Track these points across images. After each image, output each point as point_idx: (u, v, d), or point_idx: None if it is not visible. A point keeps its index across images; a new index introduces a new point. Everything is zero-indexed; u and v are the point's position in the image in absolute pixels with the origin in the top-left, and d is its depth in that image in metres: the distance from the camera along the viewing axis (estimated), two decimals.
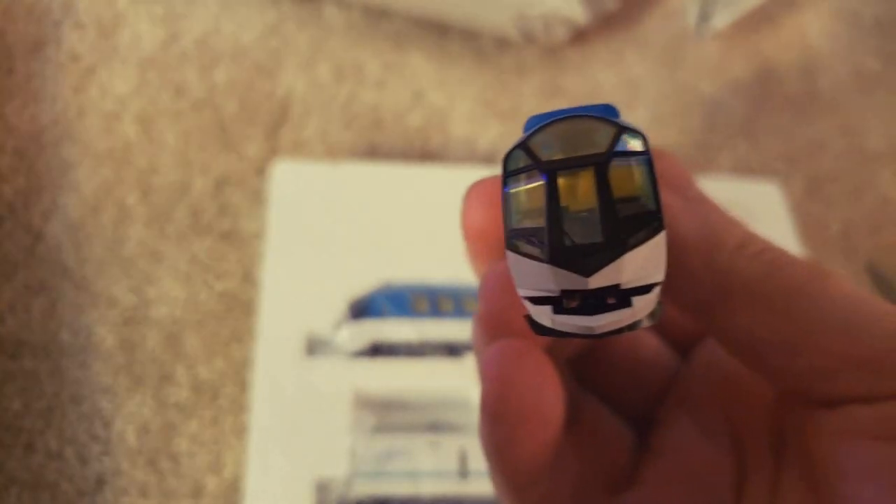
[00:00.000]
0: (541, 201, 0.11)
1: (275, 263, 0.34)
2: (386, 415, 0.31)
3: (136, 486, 0.31)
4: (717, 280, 0.14)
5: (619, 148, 0.11)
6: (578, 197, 0.10)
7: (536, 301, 0.11)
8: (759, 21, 0.44)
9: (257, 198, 0.37)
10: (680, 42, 0.43)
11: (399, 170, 0.37)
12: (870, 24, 0.44)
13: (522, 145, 0.11)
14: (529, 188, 0.11)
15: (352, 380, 0.31)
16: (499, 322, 0.15)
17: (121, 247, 0.36)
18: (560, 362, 0.18)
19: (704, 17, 0.43)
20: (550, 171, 0.11)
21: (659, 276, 0.11)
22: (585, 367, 0.18)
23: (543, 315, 0.11)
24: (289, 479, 0.29)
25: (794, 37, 0.44)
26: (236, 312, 0.34)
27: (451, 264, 0.33)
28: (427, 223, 0.35)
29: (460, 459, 0.30)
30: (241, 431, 0.32)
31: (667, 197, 0.14)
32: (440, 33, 0.42)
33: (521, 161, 0.11)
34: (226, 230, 0.36)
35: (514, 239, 0.11)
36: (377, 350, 0.32)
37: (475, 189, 0.15)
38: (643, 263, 0.10)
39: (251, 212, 0.37)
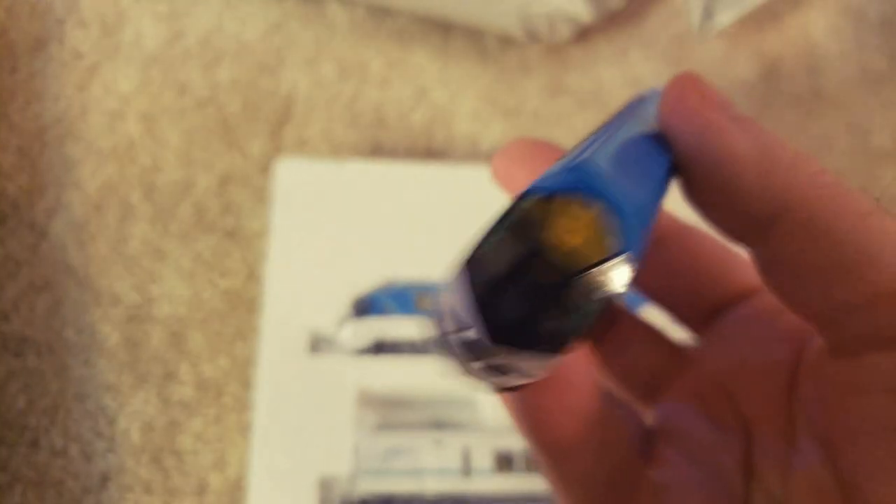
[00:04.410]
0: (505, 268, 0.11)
1: (278, 261, 0.34)
2: (389, 413, 0.31)
3: (141, 483, 0.31)
4: (775, 196, 0.14)
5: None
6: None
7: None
8: (764, 19, 0.44)
9: (261, 196, 0.37)
10: (684, 40, 0.43)
11: (403, 168, 0.37)
12: (875, 22, 0.44)
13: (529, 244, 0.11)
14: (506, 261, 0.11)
15: (355, 378, 0.31)
16: None
17: (124, 245, 0.36)
18: None
19: (708, 15, 0.42)
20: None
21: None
22: (596, 350, 0.19)
23: None
24: (292, 477, 0.29)
25: (799, 35, 0.44)
26: (240, 310, 0.35)
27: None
28: (431, 221, 0.35)
29: (464, 457, 0.30)
30: (244, 429, 0.32)
31: (712, 114, 0.14)
32: (444, 31, 0.42)
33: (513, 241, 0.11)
34: (230, 228, 0.36)
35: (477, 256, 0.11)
36: (381, 348, 0.32)
37: (505, 147, 0.17)
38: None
39: (255, 210, 0.37)
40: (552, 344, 0.11)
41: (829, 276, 0.13)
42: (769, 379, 0.16)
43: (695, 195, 0.15)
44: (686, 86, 0.15)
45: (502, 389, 0.12)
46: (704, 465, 0.16)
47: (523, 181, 0.13)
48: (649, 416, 0.18)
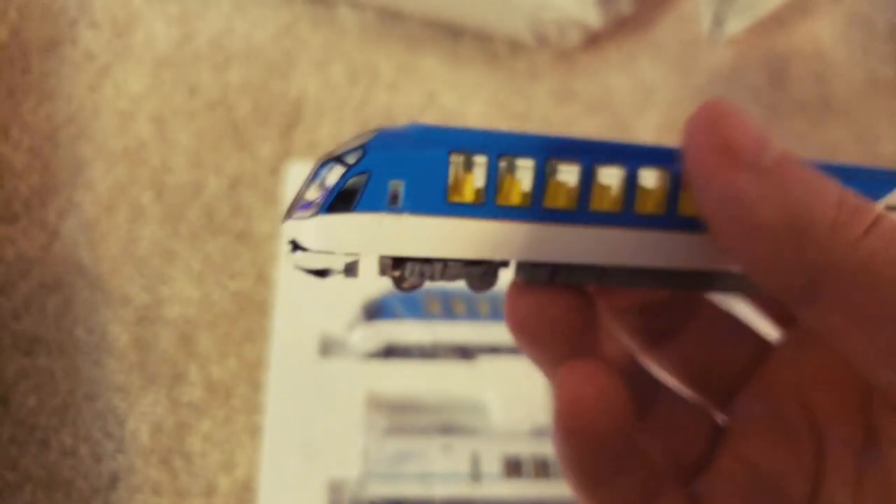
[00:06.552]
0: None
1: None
2: (399, 416, 0.31)
3: (150, 484, 0.32)
4: (806, 271, 0.12)
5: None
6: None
7: None
8: (773, 27, 0.44)
9: (271, 198, 0.37)
10: (693, 47, 0.43)
11: None
12: (884, 30, 0.44)
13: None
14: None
15: (365, 381, 0.31)
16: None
17: (135, 245, 0.36)
18: (630, 359, 0.17)
19: (718, 22, 0.43)
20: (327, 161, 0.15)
21: (312, 246, 0.14)
22: (669, 346, 0.18)
23: None
24: (302, 480, 0.29)
25: (808, 43, 0.44)
26: (250, 312, 0.35)
27: None
28: None
29: (472, 462, 0.30)
30: (253, 431, 0.32)
31: (733, 173, 0.12)
32: (453, 36, 0.42)
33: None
34: (239, 230, 0.36)
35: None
36: (390, 351, 0.32)
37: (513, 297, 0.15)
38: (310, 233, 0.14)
39: (265, 212, 0.37)
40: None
41: (869, 356, 0.12)
42: (848, 387, 0.16)
43: (724, 249, 0.13)
44: (706, 130, 0.12)
45: (306, 271, 0.14)
46: (764, 473, 0.16)
47: None
48: (720, 418, 0.18)
